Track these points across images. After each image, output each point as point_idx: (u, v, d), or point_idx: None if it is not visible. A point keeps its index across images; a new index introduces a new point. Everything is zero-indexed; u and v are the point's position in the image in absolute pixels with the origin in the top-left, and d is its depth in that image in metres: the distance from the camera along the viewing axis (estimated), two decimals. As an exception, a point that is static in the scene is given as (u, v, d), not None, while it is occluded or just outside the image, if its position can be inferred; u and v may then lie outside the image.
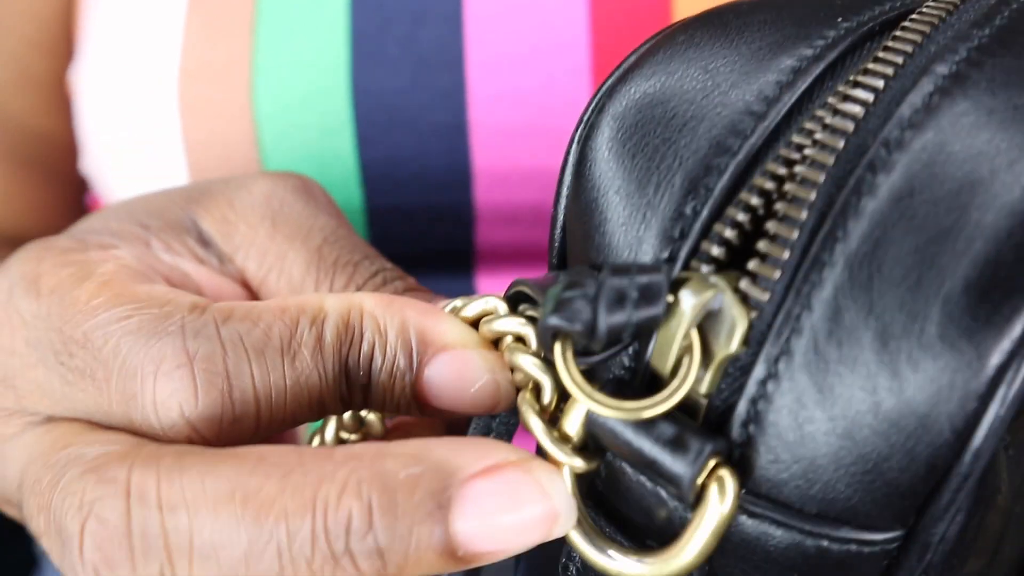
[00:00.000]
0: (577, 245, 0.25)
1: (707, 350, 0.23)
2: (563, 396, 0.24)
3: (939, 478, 0.22)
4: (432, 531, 0.22)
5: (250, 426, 0.24)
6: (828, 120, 0.23)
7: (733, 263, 0.23)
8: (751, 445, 0.22)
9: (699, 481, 0.22)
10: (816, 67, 0.24)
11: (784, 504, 0.22)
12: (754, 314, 0.22)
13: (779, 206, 0.23)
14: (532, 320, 0.25)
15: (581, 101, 0.40)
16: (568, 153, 0.26)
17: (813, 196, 0.22)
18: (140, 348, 0.24)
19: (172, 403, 0.24)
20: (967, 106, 0.22)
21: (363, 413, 0.28)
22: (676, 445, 0.22)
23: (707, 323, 0.23)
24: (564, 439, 0.24)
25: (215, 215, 0.29)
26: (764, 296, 0.22)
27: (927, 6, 0.25)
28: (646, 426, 0.22)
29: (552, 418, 0.25)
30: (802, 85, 0.24)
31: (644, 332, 0.23)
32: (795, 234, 0.22)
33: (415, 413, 0.26)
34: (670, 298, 0.22)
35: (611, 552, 0.23)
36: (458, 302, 0.27)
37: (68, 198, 0.47)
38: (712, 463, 0.22)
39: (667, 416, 0.22)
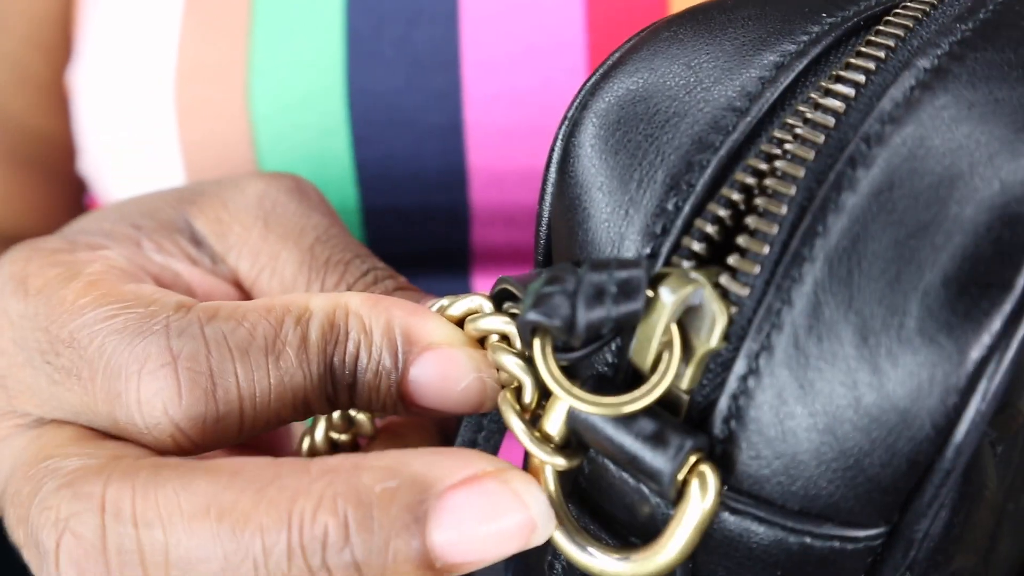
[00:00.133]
0: (562, 242, 0.25)
1: (688, 346, 0.23)
2: (544, 395, 0.24)
3: (921, 474, 0.22)
4: (409, 544, 0.22)
5: (234, 425, 0.25)
6: (809, 115, 0.23)
7: (714, 259, 0.23)
8: (733, 441, 0.22)
9: (680, 477, 0.22)
10: (799, 63, 0.24)
11: (766, 500, 0.22)
12: (734, 309, 0.22)
13: (759, 201, 0.22)
14: (516, 318, 0.25)
15: (578, 102, 0.40)
16: (552, 150, 0.26)
17: (793, 191, 0.22)
18: (125, 347, 0.24)
19: (156, 402, 0.24)
20: (947, 100, 0.22)
21: (352, 413, 0.28)
22: (657, 441, 0.22)
23: (687, 319, 0.22)
24: (545, 438, 0.24)
25: (209, 215, 0.29)
26: (744, 291, 0.22)
27: (912, 0, 0.25)
28: (627, 422, 0.22)
29: (534, 417, 0.25)
30: (784, 81, 0.24)
31: (625, 328, 0.23)
32: (775, 229, 0.22)
33: (402, 412, 0.26)
34: (650, 293, 0.22)
35: (592, 550, 0.23)
36: (444, 301, 0.27)
37: (67, 198, 0.47)
38: (693, 459, 0.22)
39: (648, 412, 0.22)
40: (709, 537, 0.23)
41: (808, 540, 0.22)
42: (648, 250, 0.23)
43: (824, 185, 0.22)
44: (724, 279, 0.22)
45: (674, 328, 0.22)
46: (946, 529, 0.23)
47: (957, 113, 0.22)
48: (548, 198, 0.26)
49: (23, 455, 0.25)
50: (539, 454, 0.24)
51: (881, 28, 0.24)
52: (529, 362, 0.25)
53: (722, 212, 0.23)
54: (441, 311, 0.27)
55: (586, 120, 0.25)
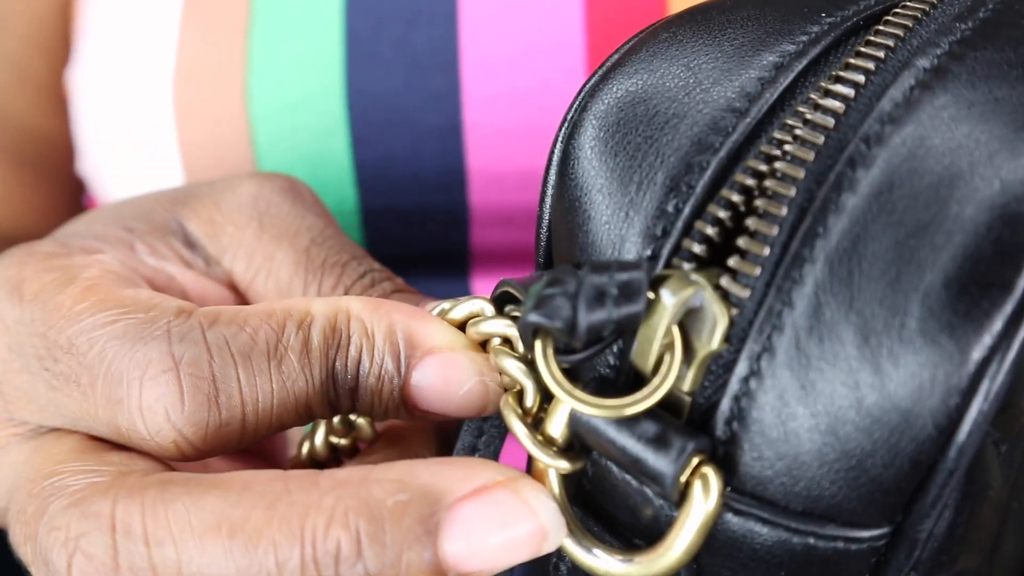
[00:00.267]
0: (562, 244, 0.25)
1: (689, 348, 0.23)
2: (546, 398, 0.24)
3: (924, 474, 0.22)
4: (421, 555, 0.22)
5: (236, 431, 0.24)
6: (808, 116, 0.23)
7: (715, 260, 0.23)
8: (735, 443, 0.22)
9: (683, 479, 0.22)
10: (798, 63, 0.24)
11: (769, 502, 0.22)
12: (735, 311, 0.22)
13: (759, 203, 0.22)
14: (518, 320, 0.25)
15: (577, 103, 0.39)
16: (552, 152, 0.26)
17: (793, 192, 0.22)
18: (125, 353, 0.24)
19: (158, 408, 0.24)
20: (947, 100, 0.22)
21: (352, 417, 0.28)
22: (659, 443, 0.22)
23: (688, 321, 0.22)
24: (548, 442, 0.24)
25: (202, 217, 0.29)
26: (745, 293, 0.22)
27: (911, 0, 0.25)
28: (629, 424, 0.22)
29: (536, 421, 0.25)
30: (784, 82, 0.24)
31: (627, 330, 0.23)
32: (775, 231, 0.22)
33: (404, 417, 0.26)
34: (651, 295, 0.22)
35: (597, 551, 0.23)
36: (446, 304, 0.27)
37: (66, 198, 0.47)
38: (696, 460, 0.22)
39: (650, 414, 0.22)
40: (713, 538, 0.23)
41: (812, 541, 0.22)
42: (649, 252, 0.23)
43: (824, 186, 0.22)
44: (725, 281, 0.22)
45: (675, 330, 0.22)
46: (950, 529, 0.23)
47: (957, 112, 0.22)
48: (548, 200, 0.26)
49: (25, 470, 0.25)
50: (542, 457, 0.24)
51: (880, 28, 0.24)
52: (531, 365, 0.25)
53: (722, 214, 0.23)
54: (442, 315, 0.27)
55: (585, 122, 0.25)
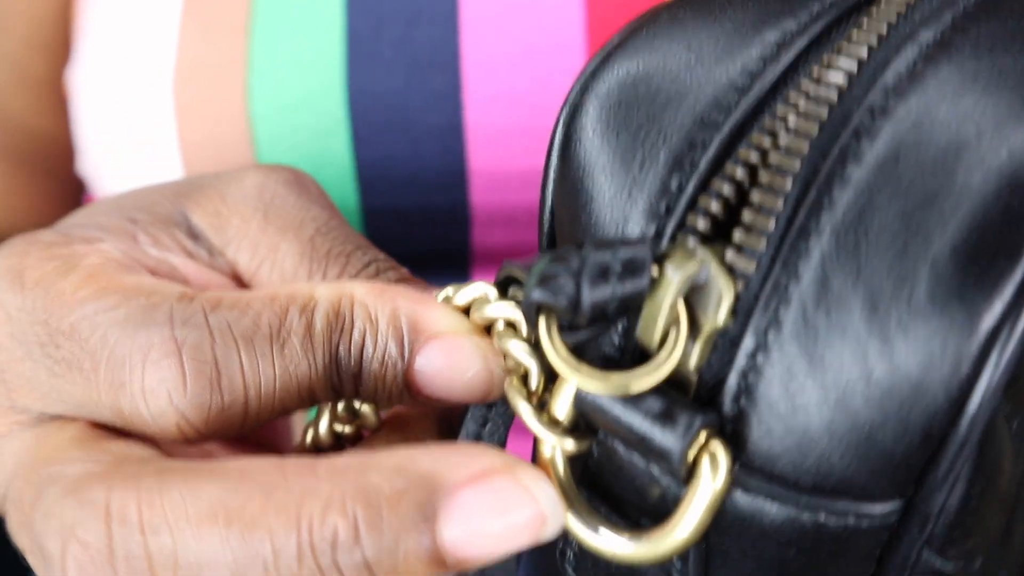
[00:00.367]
0: (565, 227, 0.25)
1: (695, 324, 0.22)
2: (551, 379, 0.24)
3: (936, 446, 0.21)
4: (420, 542, 0.21)
5: (239, 415, 0.24)
6: (812, 90, 0.23)
7: (719, 237, 0.23)
8: (743, 419, 0.22)
9: (690, 455, 0.22)
10: (800, 40, 0.24)
11: (779, 478, 0.22)
12: (741, 285, 0.22)
13: (764, 177, 0.22)
14: (521, 300, 0.25)
15: (577, 101, 0.39)
16: (554, 135, 0.25)
17: (798, 165, 0.22)
18: (128, 337, 0.24)
19: (160, 391, 0.24)
20: (952, 71, 0.22)
21: (357, 404, 0.28)
22: (665, 419, 0.22)
23: (694, 296, 0.22)
24: (553, 422, 0.24)
25: (207, 208, 0.29)
26: (750, 266, 0.22)
27: (912, -24, 0.25)
28: (635, 401, 0.22)
29: (541, 403, 0.25)
30: (787, 58, 0.24)
31: (631, 307, 0.22)
32: (780, 204, 0.22)
33: (407, 402, 0.26)
34: (655, 271, 0.22)
35: (603, 531, 0.23)
36: (449, 290, 0.27)
37: (66, 198, 0.47)
38: (703, 437, 0.22)
39: (656, 391, 0.22)
40: (721, 517, 0.22)
41: (822, 517, 0.22)
42: (652, 230, 0.23)
43: (829, 159, 0.22)
44: (730, 255, 0.22)
45: (681, 306, 0.22)
46: (963, 503, 0.22)
47: (962, 84, 0.22)
48: (551, 184, 0.26)
49: (24, 457, 0.25)
50: (548, 438, 0.23)
51: (882, 5, 0.24)
52: (535, 347, 0.25)
53: (726, 189, 0.23)
54: (447, 300, 0.27)
55: (587, 103, 0.25)
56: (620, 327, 0.23)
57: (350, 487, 0.22)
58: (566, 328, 0.23)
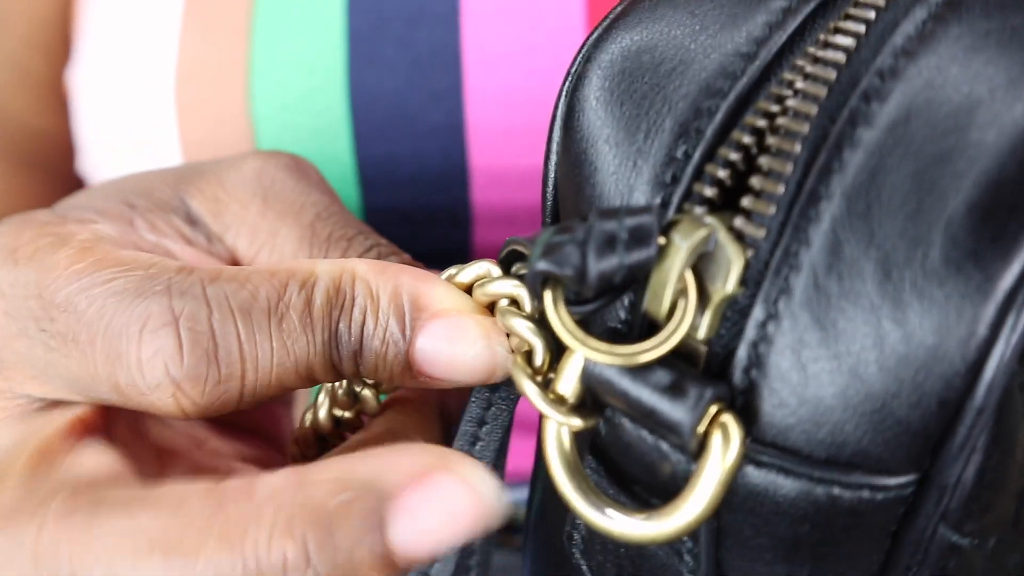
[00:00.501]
0: (569, 200, 0.25)
1: (704, 294, 0.22)
2: (556, 357, 0.24)
3: (952, 414, 0.21)
4: (372, 550, 0.21)
5: (236, 389, 0.24)
6: (819, 54, 0.22)
7: (728, 205, 0.22)
8: (754, 391, 0.21)
9: (700, 429, 0.21)
10: (806, 6, 0.24)
11: (792, 451, 0.21)
12: (750, 252, 0.21)
13: (772, 141, 0.22)
14: (525, 272, 0.25)
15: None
16: (556, 107, 0.25)
17: (807, 129, 0.22)
18: (125, 308, 0.24)
19: (157, 362, 0.23)
20: (962, 30, 0.22)
21: (357, 389, 0.28)
22: (675, 391, 0.21)
23: (702, 265, 0.22)
24: (559, 400, 0.23)
25: (206, 194, 0.29)
26: (760, 233, 0.21)
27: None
28: (643, 374, 0.22)
29: (547, 381, 0.24)
30: (792, 24, 0.23)
31: (638, 278, 0.22)
32: (789, 168, 0.21)
33: (409, 382, 0.25)
34: (662, 240, 0.22)
35: (610, 511, 0.22)
36: (452, 270, 0.26)
37: (66, 197, 0.47)
38: (713, 409, 0.21)
39: (664, 363, 0.22)
40: (733, 494, 0.22)
41: (836, 491, 0.21)
42: (659, 200, 0.23)
43: (838, 122, 0.21)
44: (739, 222, 0.22)
45: (689, 275, 0.22)
46: (979, 476, 0.22)
47: (973, 42, 0.21)
48: (553, 157, 0.25)
49: (3, 458, 0.25)
50: (554, 415, 0.23)
51: (889, -32, 0.24)
52: (539, 324, 0.24)
53: (734, 156, 0.22)
54: (449, 280, 0.26)
55: (590, 73, 0.24)
56: (626, 300, 0.23)
57: (295, 508, 0.21)
58: (572, 301, 0.22)
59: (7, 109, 0.44)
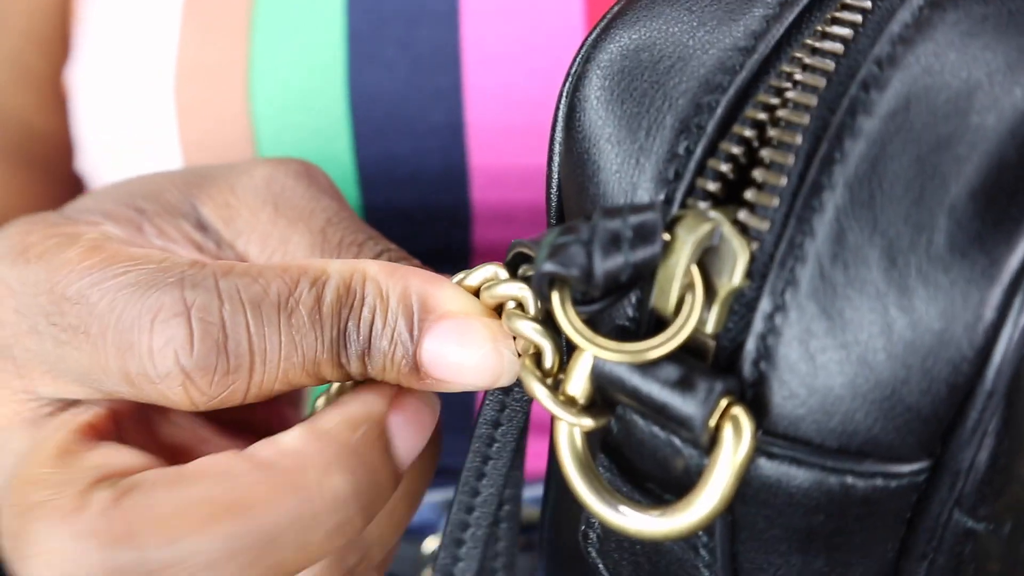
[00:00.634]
0: (573, 200, 0.25)
1: (710, 288, 0.22)
2: (565, 358, 0.24)
3: (962, 399, 0.21)
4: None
5: (243, 380, 0.24)
6: (817, 45, 0.23)
7: (730, 199, 0.22)
8: (764, 383, 0.21)
9: (712, 422, 0.21)
10: (802, -2, 0.24)
11: (803, 441, 0.21)
12: (755, 245, 0.21)
13: (773, 133, 0.22)
14: (532, 274, 0.25)
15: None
16: (558, 108, 0.25)
17: (807, 120, 0.22)
18: (137, 300, 0.24)
19: (167, 351, 0.24)
20: (958, 16, 0.22)
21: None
22: (685, 386, 0.21)
23: (708, 259, 0.22)
24: (570, 401, 0.23)
25: (217, 200, 0.29)
26: (764, 225, 0.21)
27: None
28: (652, 370, 0.22)
29: (556, 383, 0.24)
30: (789, 16, 0.23)
31: (644, 275, 0.22)
32: (791, 159, 0.21)
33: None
34: (666, 236, 0.22)
35: (624, 508, 0.22)
36: (461, 274, 0.26)
37: (65, 196, 0.47)
38: (724, 403, 0.21)
39: (673, 358, 0.22)
40: (746, 486, 0.22)
41: (849, 479, 0.21)
42: (662, 196, 0.23)
43: (838, 112, 0.21)
44: (743, 215, 0.22)
45: (695, 270, 0.22)
46: (992, 460, 0.22)
47: (971, 27, 0.22)
48: (556, 158, 0.25)
49: (18, 464, 0.25)
50: (565, 417, 0.23)
51: (884, -43, 0.24)
52: (546, 325, 0.24)
53: (735, 150, 0.22)
54: (459, 284, 0.26)
55: (590, 73, 0.24)
56: (634, 298, 0.23)
57: (329, 450, 0.24)
58: (579, 301, 0.22)
59: (6, 107, 0.44)
